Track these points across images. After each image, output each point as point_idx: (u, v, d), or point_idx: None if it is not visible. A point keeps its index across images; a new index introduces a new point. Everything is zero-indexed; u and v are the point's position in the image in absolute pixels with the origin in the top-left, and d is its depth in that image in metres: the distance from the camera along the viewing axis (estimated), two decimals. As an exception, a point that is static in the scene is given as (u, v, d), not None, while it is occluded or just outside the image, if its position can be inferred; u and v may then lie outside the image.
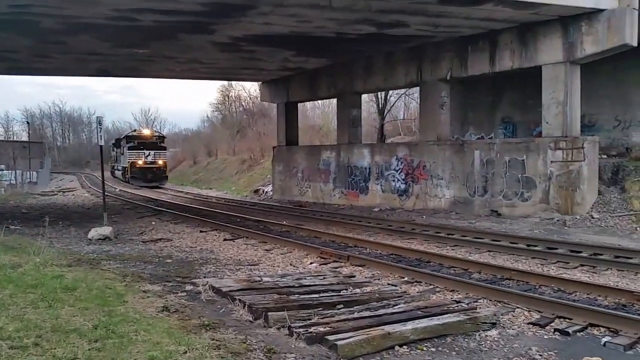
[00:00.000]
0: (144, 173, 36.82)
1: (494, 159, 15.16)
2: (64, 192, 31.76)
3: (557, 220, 13.38)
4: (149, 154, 37.34)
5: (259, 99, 44.69)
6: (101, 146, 13.79)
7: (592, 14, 12.92)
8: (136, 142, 38.18)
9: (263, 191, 28.16)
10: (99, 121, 13.40)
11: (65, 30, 14.10)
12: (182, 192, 32.30)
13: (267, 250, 10.85)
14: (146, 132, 40.98)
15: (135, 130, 42.27)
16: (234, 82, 48.43)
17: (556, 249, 10.04)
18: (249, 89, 48.98)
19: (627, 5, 12.62)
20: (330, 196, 21.32)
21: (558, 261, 9.19)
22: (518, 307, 6.36)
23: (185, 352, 4.16)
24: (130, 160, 37.46)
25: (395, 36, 15.49)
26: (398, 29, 14.62)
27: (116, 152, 45.39)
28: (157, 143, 38.90)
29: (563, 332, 5.56)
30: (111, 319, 5.03)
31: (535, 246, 10.35)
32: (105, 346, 4.28)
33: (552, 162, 13.88)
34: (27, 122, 57.43)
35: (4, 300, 5.49)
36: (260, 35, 15.25)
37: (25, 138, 62.93)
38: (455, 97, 17.60)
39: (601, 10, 12.78)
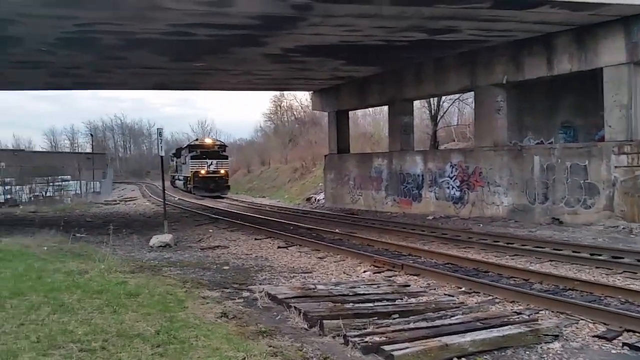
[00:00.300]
0: (207, 183, 35.99)
1: (555, 164, 14.64)
2: (125, 201, 33.09)
3: (623, 228, 12.75)
4: (211, 163, 36.56)
5: (310, 108, 45.29)
6: (161, 157, 14.31)
7: (658, 12, 12.32)
8: (199, 151, 37.39)
9: (315, 199, 28.34)
10: (159, 132, 13.92)
11: (124, 46, 14.78)
12: (236, 200, 32.96)
13: (320, 258, 10.88)
14: (208, 141, 40.10)
15: (197, 140, 41.42)
16: (285, 92, 49.21)
17: (622, 258, 9.55)
18: (300, 99, 49.64)
19: (697, 0, 11.96)
20: (382, 204, 21.18)
21: (624, 271, 8.72)
22: (582, 319, 6.09)
23: (244, 358, 4.24)
24: (193, 170, 36.65)
25: (447, 42, 15.29)
26: (449, 34, 14.44)
27: (176, 162, 45.38)
28: (219, 152, 38.10)
29: (633, 347, 5.26)
30: (172, 325, 5.19)
31: (600, 255, 9.89)
32: (167, 351, 4.43)
33: (616, 167, 13.27)
34: (91, 134, 60.24)
35: (73, 305, 5.78)
36: (311, 45, 15.44)
37: (88, 150, 66.19)
38: (510, 101, 17.14)
39: (668, 8, 12.16)
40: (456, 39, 15.00)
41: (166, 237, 13.11)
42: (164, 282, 7.52)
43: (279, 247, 12.36)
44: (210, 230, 16.17)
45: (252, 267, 9.99)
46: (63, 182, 37.06)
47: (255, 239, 13.84)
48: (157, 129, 13.96)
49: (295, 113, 51.95)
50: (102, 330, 4.89)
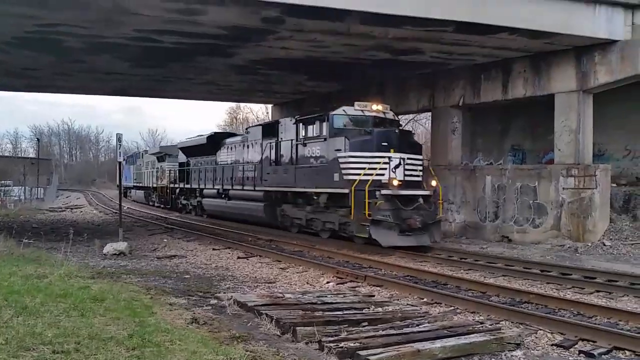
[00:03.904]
0: (406, 211, 12.99)
1: (506, 184, 15.27)
2: (71, 209, 31.86)
3: (569, 247, 13.40)
4: (400, 162, 13.40)
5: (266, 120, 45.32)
6: (119, 162, 13.98)
7: (605, 45, 13.18)
8: (374, 130, 13.67)
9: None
10: (119, 138, 13.62)
11: (87, 49, 14.42)
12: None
13: (282, 268, 10.90)
14: (377, 107, 14.54)
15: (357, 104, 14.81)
16: (242, 104, 49.02)
17: (570, 274, 10.06)
18: (257, 111, 49.60)
19: (640, 37, 12.89)
20: (339, 218, 21.31)
21: (573, 286, 9.19)
22: (540, 329, 6.39)
23: (224, 361, 4.23)
24: (370, 176, 12.92)
25: (410, 62, 15.77)
26: (413, 55, 14.90)
27: (189, 167, 24.85)
28: (406, 138, 14.37)
29: (588, 354, 5.59)
30: (144, 329, 5.10)
31: (549, 272, 10.37)
32: (144, 354, 4.36)
33: (564, 189, 13.99)
34: (38, 139, 57.91)
35: (37, 308, 5.57)
36: (277, 59, 15.56)
37: (32, 155, 63.47)
38: (465, 123, 17.81)
39: (615, 41, 13.03)
40: (419, 60, 15.49)
41: (121, 245, 12.78)
42: (127, 289, 7.35)
43: (239, 258, 12.28)
44: (165, 240, 15.85)
45: (213, 276, 9.90)
46: (5, 187, 35.31)
47: (213, 249, 13.68)
48: (117, 134, 13.67)
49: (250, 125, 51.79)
50: (72, 333, 4.75)
